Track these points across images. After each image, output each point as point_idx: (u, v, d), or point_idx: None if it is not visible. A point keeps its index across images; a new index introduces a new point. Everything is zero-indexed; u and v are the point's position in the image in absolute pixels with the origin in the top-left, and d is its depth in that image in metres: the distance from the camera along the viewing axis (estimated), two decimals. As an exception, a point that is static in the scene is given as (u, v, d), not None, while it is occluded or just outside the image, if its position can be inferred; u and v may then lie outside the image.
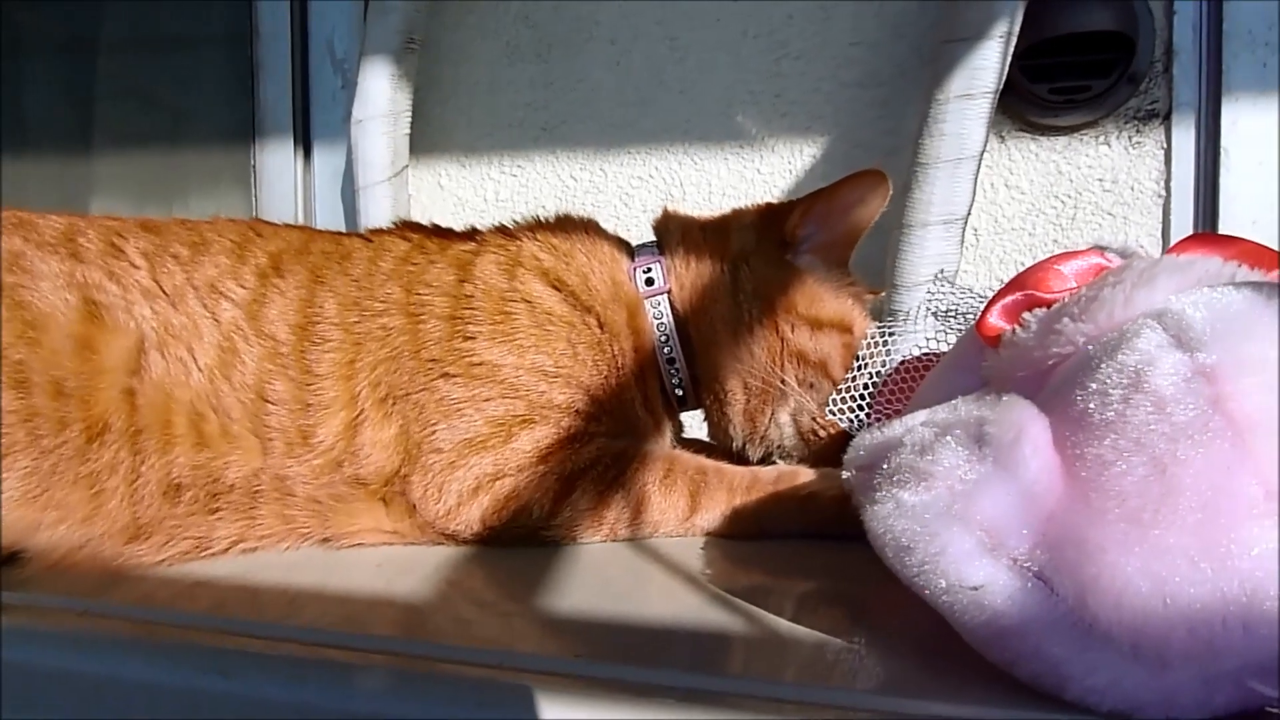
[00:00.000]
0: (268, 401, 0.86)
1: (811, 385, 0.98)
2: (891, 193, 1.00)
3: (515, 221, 1.04)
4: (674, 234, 1.05)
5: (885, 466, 0.57)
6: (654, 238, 1.07)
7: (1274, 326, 0.50)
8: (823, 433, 0.98)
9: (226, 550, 0.83)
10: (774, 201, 1.07)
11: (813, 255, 1.03)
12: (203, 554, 0.82)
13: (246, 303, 0.89)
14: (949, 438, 0.54)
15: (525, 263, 0.96)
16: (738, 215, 1.07)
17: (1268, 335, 0.50)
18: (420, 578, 0.76)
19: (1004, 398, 0.56)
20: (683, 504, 0.88)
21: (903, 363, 0.98)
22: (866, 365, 0.97)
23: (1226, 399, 0.47)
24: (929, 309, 0.98)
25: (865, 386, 0.96)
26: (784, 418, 1.00)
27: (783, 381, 0.97)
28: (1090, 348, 0.57)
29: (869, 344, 0.98)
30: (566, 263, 0.97)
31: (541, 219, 1.04)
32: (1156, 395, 0.49)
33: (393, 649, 0.62)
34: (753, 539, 0.88)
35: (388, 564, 0.81)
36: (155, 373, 0.83)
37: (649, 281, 1.00)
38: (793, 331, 0.97)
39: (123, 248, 0.89)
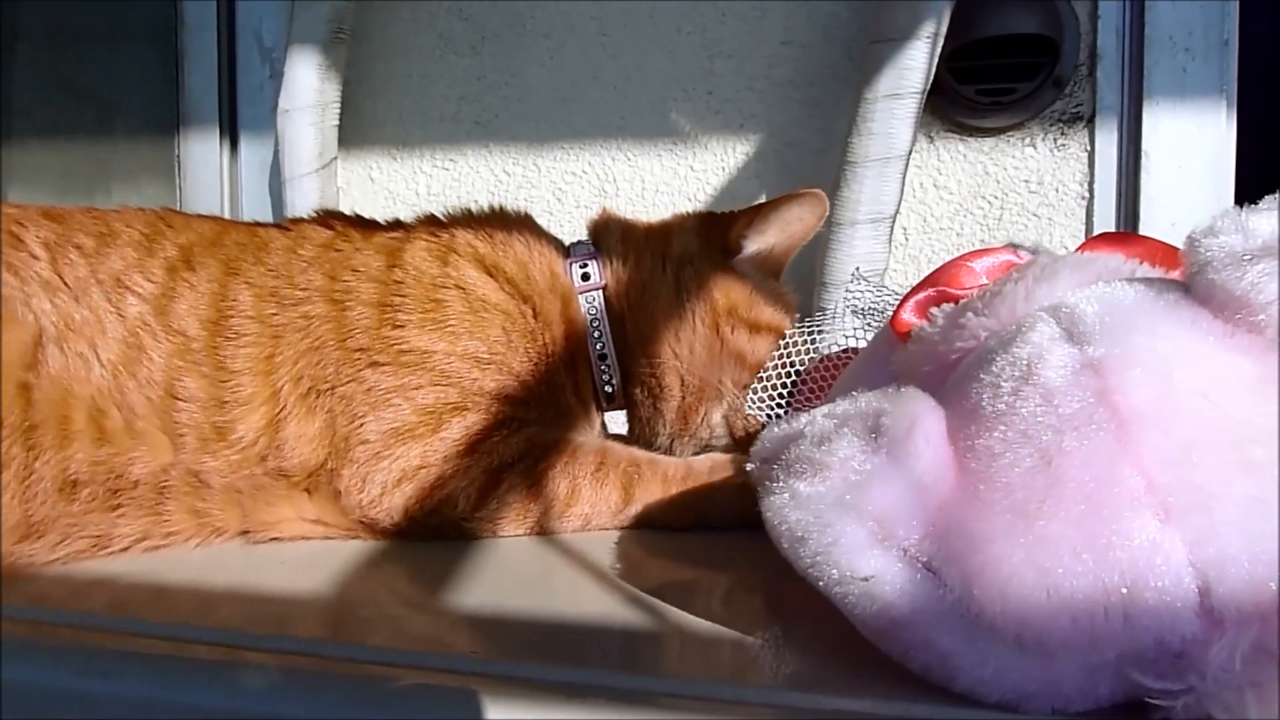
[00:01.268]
0: (178, 399, 0.83)
1: (745, 386, 0.99)
2: (827, 212, 1.03)
3: (446, 213, 1.03)
4: (613, 233, 1.05)
5: (784, 458, 0.56)
6: (588, 237, 1.07)
7: (1162, 321, 0.51)
8: (751, 431, 0.98)
9: (128, 548, 0.81)
10: (714, 210, 1.09)
11: (750, 265, 1.04)
12: (102, 552, 0.80)
13: (154, 297, 0.86)
14: (846, 429, 0.54)
15: (459, 249, 0.95)
16: (680, 220, 1.08)
17: (1154, 329, 0.50)
18: (324, 575, 0.74)
19: (902, 390, 0.56)
20: (616, 496, 0.87)
21: (822, 359, 0.99)
22: (787, 362, 0.98)
23: (1112, 392, 0.48)
24: (849, 307, 0.98)
25: (785, 383, 0.97)
26: (717, 417, 1.00)
27: (720, 381, 0.98)
28: (989, 341, 0.58)
29: (790, 341, 0.99)
30: (504, 251, 0.96)
31: (474, 211, 1.03)
32: (1045, 387, 0.49)
33: (286, 648, 0.61)
34: (690, 530, 0.87)
35: (293, 561, 0.79)
36: (53, 368, 0.80)
37: (584, 277, 1.00)
38: (732, 333, 0.99)
39: (22, 237, 0.86)
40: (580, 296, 0.99)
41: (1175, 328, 0.50)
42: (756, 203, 1.03)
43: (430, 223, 1.01)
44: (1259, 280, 0.48)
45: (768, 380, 0.97)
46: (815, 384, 0.96)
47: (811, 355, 0.98)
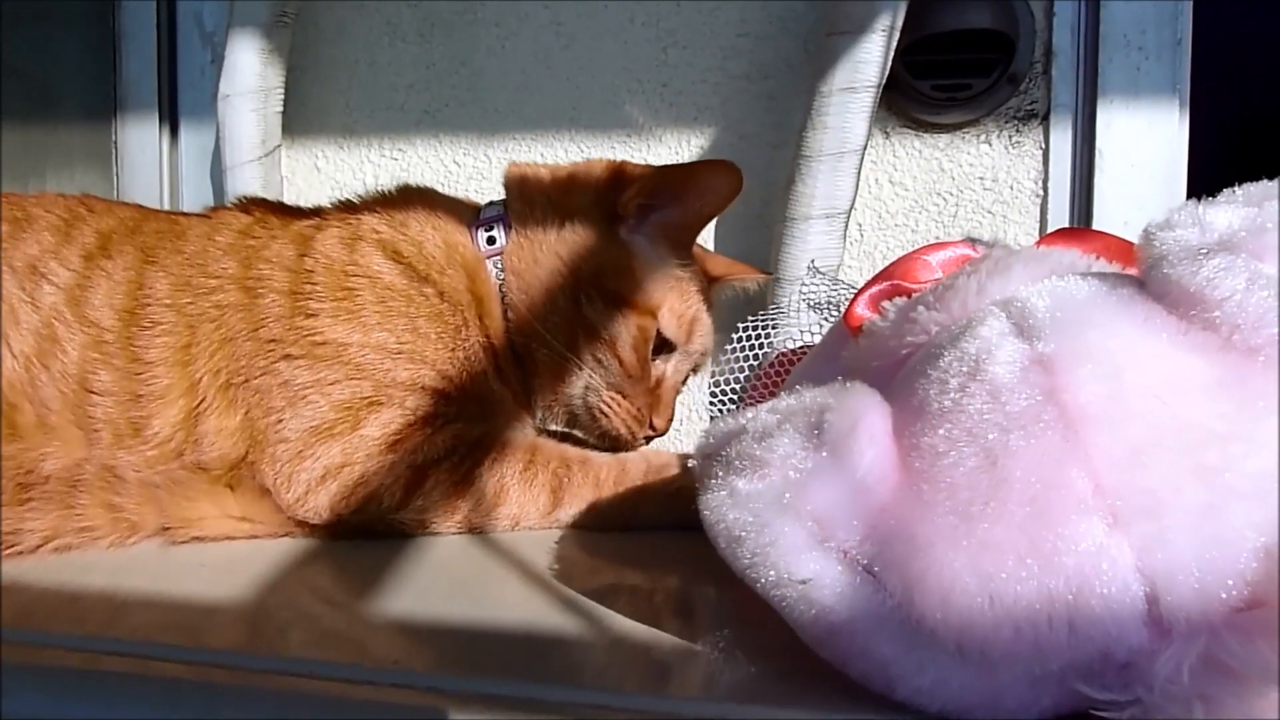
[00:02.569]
0: (92, 392, 0.80)
1: (600, 362, 0.94)
2: (742, 188, 0.96)
3: (360, 196, 0.99)
4: (514, 189, 1.00)
5: (725, 453, 0.54)
6: (503, 195, 1.02)
7: (1114, 317, 0.49)
8: (609, 410, 0.94)
9: (39, 546, 0.77)
10: (629, 163, 1.01)
11: (649, 232, 0.98)
12: (9, 551, 0.75)
13: (69, 286, 0.83)
14: (788, 425, 0.52)
15: (365, 236, 0.91)
16: (587, 169, 1.01)
17: (1106, 325, 0.48)
18: (246, 580, 0.71)
19: (848, 385, 0.54)
20: (544, 498, 0.85)
21: (778, 355, 0.97)
22: (740, 357, 0.95)
23: (1061, 390, 0.46)
24: (804, 301, 0.96)
25: (738, 378, 0.95)
26: (576, 390, 0.95)
27: (577, 354, 0.94)
28: (940, 336, 0.56)
29: (743, 336, 0.96)
30: (403, 232, 0.92)
31: (384, 192, 1.00)
32: (993, 384, 0.47)
33: (201, 659, 0.57)
34: (620, 531, 0.85)
35: (213, 564, 0.75)
36: (-41, 358, 0.76)
37: (490, 241, 0.96)
38: (589, 303, 0.93)
39: (-71, 222, 0.82)
40: (489, 263, 0.94)
41: (1128, 324, 0.48)
42: (664, 166, 0.96)
43: (343, 208, 0.97)
44: (1214, 275, 0.46)
45: (720, 376, 0.95)
46: (769, 381, 0.94)
47: (764, 350, 0.96)
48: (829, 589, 0.46)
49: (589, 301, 0.93)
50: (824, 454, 0.49)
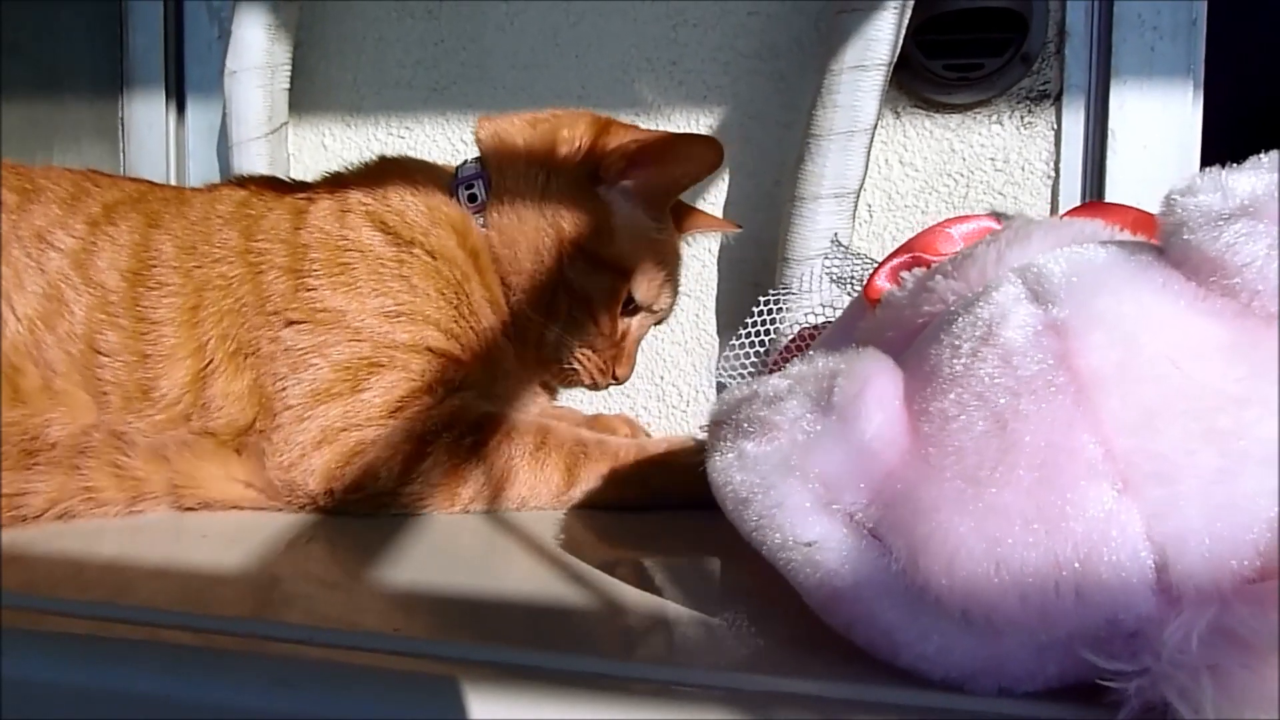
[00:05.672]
0: (99, 353, 0.81)
1: (574, 319, 0.95)
2: (723, 164, 0.97)
3: (345, 169, 1.00)
4: (489, 146, 0.99)
5: (734, 418, 0.53)
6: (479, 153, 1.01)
7: (1130, 282, 0.48)
8: (578, 365, 0.97)
9: (44, 513, 0.77)
10: (615, 124, 1.00)
11: (628, 190, 0.97)
12: (13, 515, 0.75)
13: (75, 251, 0.84)
14: (799, 389, 0.51)
15: (353, 209, 0.91)
16: (571, 125, 0.99)
17: (1121, 290, 0.48)
18: (250, 550, 0.71)
19: (860, 350, 0.53)
20: (557, 478, 0.84)
21: (800, 331, 0.97)
22: (758, 331, 0.95)
23: (1073, 354, 0.45)
24: (826, 274, 0.95)
25: (757, 353, 0.94)
26: (549, 343, 0.97)
27: (554, 311, 0.95)
28: (955, 304, 0.55)
29: (762, 310, 0.96)
30: (386, 203, 0.92)
31: (366, 164, 1.00)
32: (1005, 348, 0.47)
33: (205, 626, 0.57)
34: (641, 508, 0.84)
35: (216, 535, 0.75)
36: (-36, 325, 0.77)
37: (472, 199, 0.96)
38: (569, 262, 0.94)
39: (-63, 192, 0.82)
40: (474, 219, 0.95)
41: (1144, 290, 0.47)
42: (648, 132, 0.96)
43: (331, 182, 0.98)
44: (1235, 241, 0.45)
45: (740, 351, 0.95)
46: (789, 358, 0.93)
47: (771, 335, 0.96)
48: (834, 552, 0.46)
49: (570, 263, 0.93)
50: (832, 417, 0.49)
